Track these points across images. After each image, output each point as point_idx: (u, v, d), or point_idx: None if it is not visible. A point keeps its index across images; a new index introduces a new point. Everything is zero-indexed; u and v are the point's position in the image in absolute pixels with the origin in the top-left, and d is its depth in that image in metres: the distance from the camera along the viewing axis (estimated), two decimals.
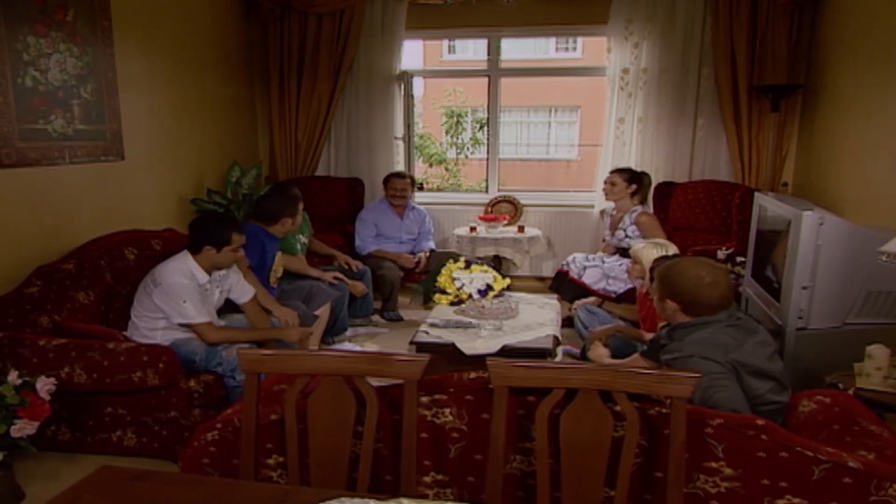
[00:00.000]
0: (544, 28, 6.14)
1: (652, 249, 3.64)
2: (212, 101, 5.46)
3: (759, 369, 2.19)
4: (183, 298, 3.22)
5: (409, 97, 6.03)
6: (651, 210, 5.78)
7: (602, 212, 5.19)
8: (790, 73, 5.47)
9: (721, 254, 4.72)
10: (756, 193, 4.14)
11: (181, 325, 3.26)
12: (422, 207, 5.81)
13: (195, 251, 3.35)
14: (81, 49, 3.98)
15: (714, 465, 1.72)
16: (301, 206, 4.22)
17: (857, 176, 4.58)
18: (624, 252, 4.75)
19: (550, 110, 18.31)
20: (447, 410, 1.86)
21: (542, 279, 6.04)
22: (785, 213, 3.44)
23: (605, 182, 5.01)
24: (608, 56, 5.87)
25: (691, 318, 2.34)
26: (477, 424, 1.85)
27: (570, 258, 5.01)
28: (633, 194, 4.95)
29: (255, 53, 6.13)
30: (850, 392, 2.53)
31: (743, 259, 4.52)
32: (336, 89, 5.96)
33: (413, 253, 5.49)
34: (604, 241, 5.22)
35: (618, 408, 1.69)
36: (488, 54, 6.25)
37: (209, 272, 3.40)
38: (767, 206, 3.84)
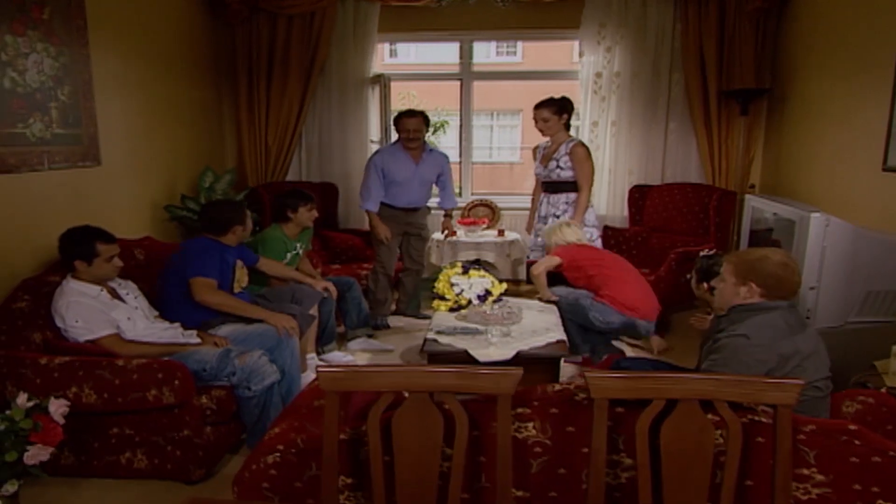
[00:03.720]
0: (517, 32, 6.17)
1: (566, 229, 4.36)
2: (181, 104, 5.26)
3: (818, 353, 2.31)
4: (75, 319, 3.05)
5: (386, 100, 5.93)
6: (627, 206, 5.86)
7: (535, 148, 4.98)
8: (757, 77, 5.62)
9: (703, 255, 4.79)
10: (747, 195, 4.22)
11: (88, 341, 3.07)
12: (442, 151, 5.26)
13: (71, 269, 3.19)
14: (58, 49, 3.77)
15: (806, 471, 1.72)
16: (248, 212, 4.04)
17: (824, 177, 4.72)
18: (554, 186, 4.77)
19: (492, 114, 18.47)
20: (530, 424, 1.81)
21: (517, 283, 6.02)
22: (789, 214, 3.50)
23: (537, 120, 4.70)
24: (581, 60, 5.92)
25: (760, 301, 2.40)
26: (561, 438, 1.80)
27: (530, 249, 4.99)
28: (565, 125, 4.74)
29: (222, 55, 5.93)
30: (883, 391, 2.58)
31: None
32: (307, 92, 5.83)
33: (445, 212, 5.41)
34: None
35: (709, 415, 1.67)
36: (460, 58, 6.22)
37: (99, 284, 3.22)
38: (763, 207, 3.91)
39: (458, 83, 6.34)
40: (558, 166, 4.67)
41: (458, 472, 1.70)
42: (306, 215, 4.44)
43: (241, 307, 3.61)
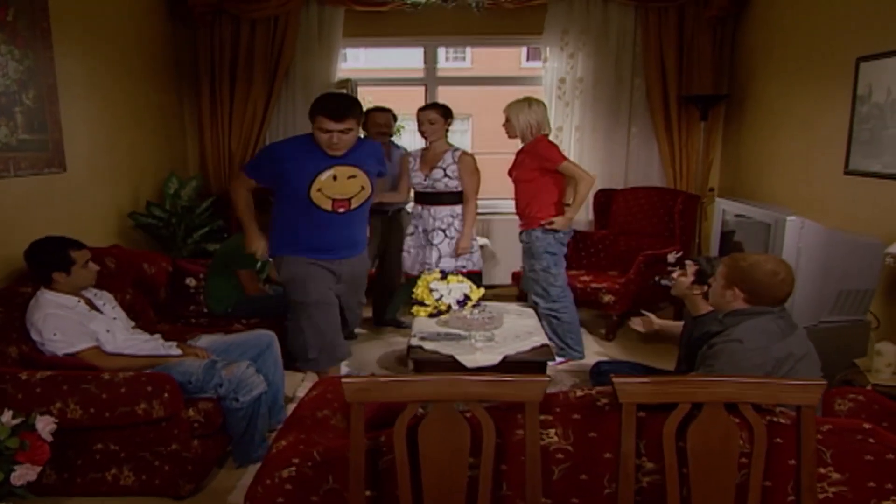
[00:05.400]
0: (481, 38, 6.17)
1: (525, 106, 4.32)
2: (143, 108, 5.13)
3: (809, 355, 2.35)
4: (53, 332, 2.93)
5: None
6: (592, 210, 5.93)
7: (406, 155, 4.72)
8: (715, 83, 5.76)
9: (671, 257, 4.87)
10: (717, 199, 4.32)
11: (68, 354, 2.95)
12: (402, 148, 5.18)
13: (47, 282, 3.07)
14: (22, 52, 3.64)
15: (822, 470, 1.75)
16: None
17: (784, 181, 4.87)
18: (438, 197, 4.49)
19: None
20: (552, 431, 1.81)
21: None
22: (763, 217, 3.60)
23: (423, 121, 4.47)
24: (544, 66, 5.97)
25: (747, 306, 2.42)
26: (583, 444, 1.80)
27: (410, 261, 4.68)
28: (446, 131, 4.55)
29: (184, 59, 5.80)
30: (869, 388, 2.67)
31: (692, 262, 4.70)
32: (272, 97, 5.74)
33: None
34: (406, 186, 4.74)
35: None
36: (425, 63, 6.21)
37: (75, 294, 3.12)
38: (734, 210, 4.01)
39: (414, 88, 6.36)
40: (445, 175, 4.44)
41: (486, 482, 1.70)
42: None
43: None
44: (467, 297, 4.00)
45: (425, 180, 4.50)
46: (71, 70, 4.07)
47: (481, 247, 5.64)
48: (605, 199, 5.85)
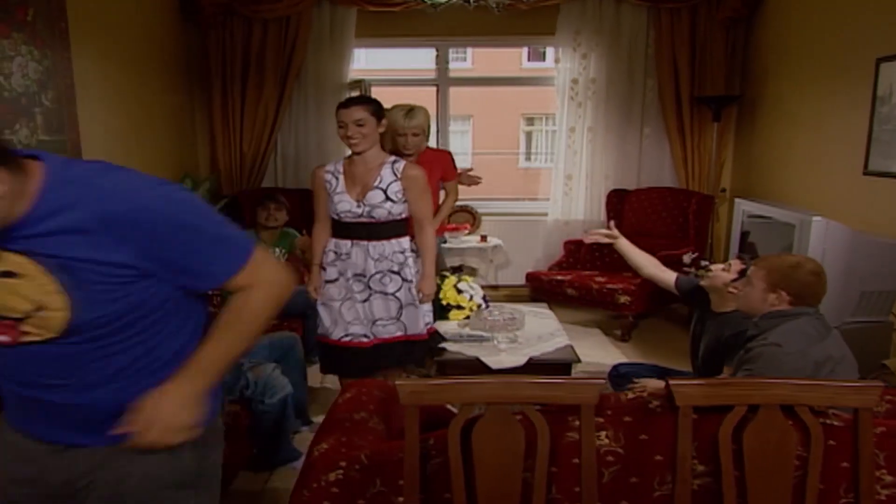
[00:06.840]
0: (492, 38, 6.16)
1: (427, 114, 3.99)
2: (156, 110, 5.11)
3: (847, 357, 2.33)
4: None
5: None
6: (605, 211, 5.91)
7: (318, 169, 3.32)
8: (727, 84, 5.76)
9: (687, 258, 4.86)
10: (736, 200, 4.31)
11: None
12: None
13: None
14: (41, 52, 3.62)
15: (875, 473, 1.75)
16: None
17: (799, 181, 4.86)
18: (378, 229, 3.20)
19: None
20: (603, 433, 1.80)
21: (496, 288, 6.02)
22: (786, 218, 3.60)
23: (348, 123, 3.06)
24: (557, 66, 5.97)
25: (788, 308, 2.40)
26: (634, 447, 1.79)
27: (332, 318, 3.31)
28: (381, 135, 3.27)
29: (195, 60, 5.78)
30: None
31: (707, 262, 4.69)
32: (283, 98, 5.72)
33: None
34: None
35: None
36: (437, 64, 6.21)
37: None
38: (754, 211, 4.00)
39: (422, 88, 6.37)
40: (387, 198, 3.15)
41: (541, 485, 1.68)
42: (261, 215, 4.39)
43: None
44: (485, 298, 4.00)
45: (357, 207, 3.17)
46: (87, 71, 4.06)
47: (493, 247, 5.67)
48: (617, 200, 5.85)
